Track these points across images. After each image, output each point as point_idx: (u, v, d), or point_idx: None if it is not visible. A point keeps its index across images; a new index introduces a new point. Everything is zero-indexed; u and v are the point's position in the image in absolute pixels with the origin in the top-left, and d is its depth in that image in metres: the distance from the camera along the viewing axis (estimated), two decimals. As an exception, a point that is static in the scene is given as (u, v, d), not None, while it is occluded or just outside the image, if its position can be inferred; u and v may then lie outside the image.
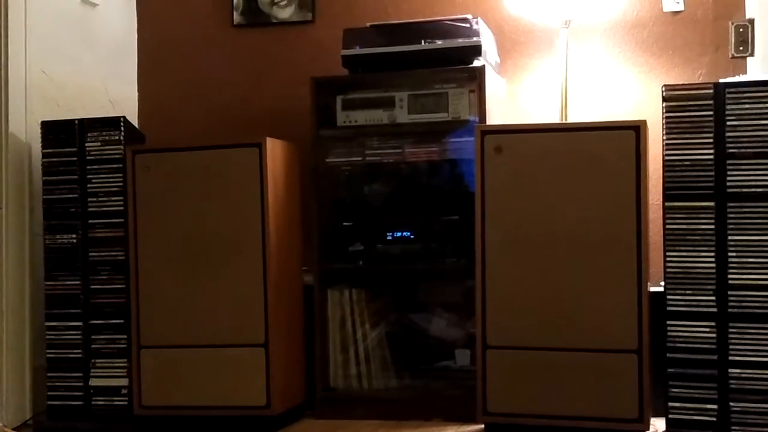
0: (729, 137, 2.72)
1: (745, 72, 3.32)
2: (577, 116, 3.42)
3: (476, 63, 3.22)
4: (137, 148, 3.23)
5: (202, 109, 3.90)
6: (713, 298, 2.73)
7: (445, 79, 3.24)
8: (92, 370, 3.21)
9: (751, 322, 2.70)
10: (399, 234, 3.32)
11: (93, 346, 3.21)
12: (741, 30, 3.33)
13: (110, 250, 3.20)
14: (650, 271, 2.83)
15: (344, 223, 3.38)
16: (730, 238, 2.72)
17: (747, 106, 2.72)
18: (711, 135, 2.74)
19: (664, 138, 2.79)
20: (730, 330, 2.72)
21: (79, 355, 3.22)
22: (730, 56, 3.37)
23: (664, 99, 2.79)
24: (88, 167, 3.22)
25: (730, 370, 2.72)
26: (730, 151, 2.72)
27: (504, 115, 3.44)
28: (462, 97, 3.21)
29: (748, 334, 2.70)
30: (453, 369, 3.34)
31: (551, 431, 2.86)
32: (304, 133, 3.33)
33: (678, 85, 2.90)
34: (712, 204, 2.73)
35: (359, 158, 3.34)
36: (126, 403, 3.18)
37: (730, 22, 3.36)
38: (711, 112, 2.74)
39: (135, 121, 3.84)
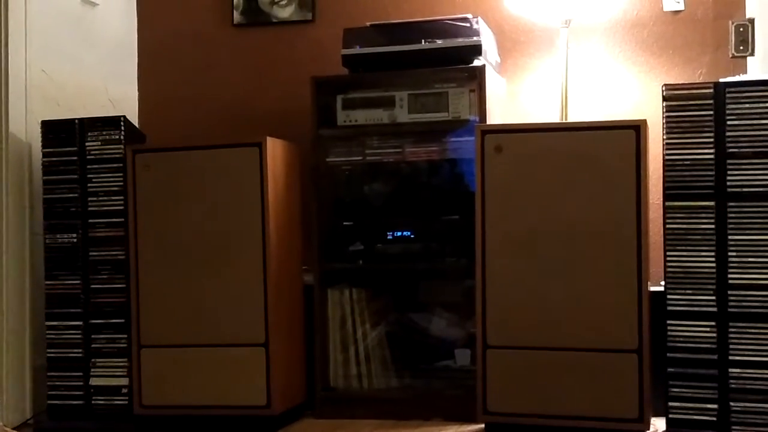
0: (729, 137, 2.72)
1: (745, 71, 3.32)
2: (577, 116, 3.42)
3: (476, 62, 3.22)
4: (137, 147, 3.23)
5: (202, 109, 3.90)
6: (713, 297, 2.73)
7: (445, 79, 3.24)
8: (92, 370, 3.20)
9: (751, 322, 2.70)
10: (399, 233, 3.32)
11: (93, 345, 3.21)
12: (741, 29, 3.32)
13: (110, 249, 3.20)
14: (650, 270, 2.83)
15: (344, 223, 3.38)
16: (730, 237, 2.72)
17: (747, 105, 2.71)
18: (711, 134, 2.74)
19: (665, 137, 2.79)
20: (731, 330, 2.72)
21: (80, 355, 3.21)
22: (731, 56, 3.37)
23: (665, 98, 2.79)
24: (88, 167, 3.22)
25: (730, 370, 2.71)
26: (731, 150, 2.72)
27: (504, 114, 3.44)
28: (462, 96, 3.21)
29: (749, 334, 2.70)
30: (453, 369, 3.34)
31: (551, 431, 2.86)
32: (305, 132, 3.33)
33: (678, 84, 2.91)
34: (712, 204, 2.73)
35: (359, 158, 3.34)
36: (126, 402, 3.17)
37: (730, 22, 3.36)
38: (711, 112, 2.74)
39: (135, 121, 3.84)
